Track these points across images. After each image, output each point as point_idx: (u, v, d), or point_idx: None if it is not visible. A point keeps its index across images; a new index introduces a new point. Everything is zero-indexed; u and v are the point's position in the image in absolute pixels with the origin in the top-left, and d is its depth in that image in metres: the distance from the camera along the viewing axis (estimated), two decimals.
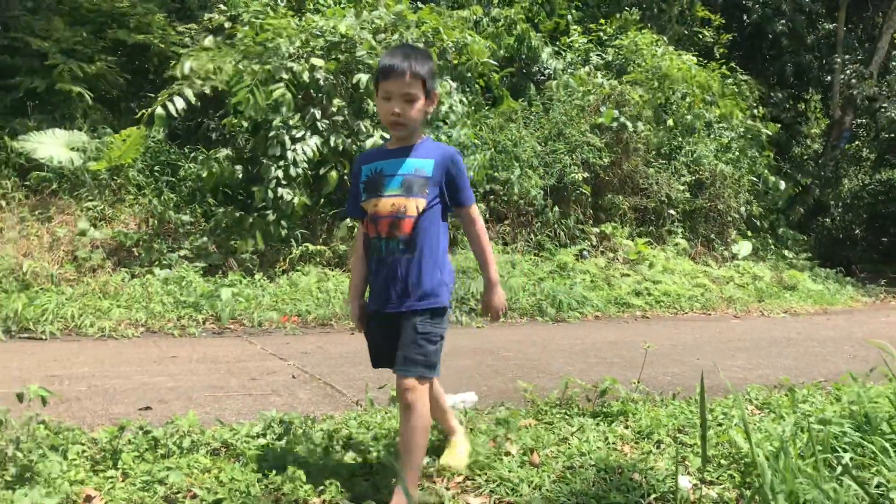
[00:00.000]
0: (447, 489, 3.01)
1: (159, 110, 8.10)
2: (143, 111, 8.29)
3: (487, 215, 10.35)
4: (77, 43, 9.21)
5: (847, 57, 17.94)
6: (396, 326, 2.71)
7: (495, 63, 10.85)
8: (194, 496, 2.77)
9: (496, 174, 10.34)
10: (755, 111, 14.35)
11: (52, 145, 8.44)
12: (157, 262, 7.99)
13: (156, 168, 9.00)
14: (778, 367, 6.04)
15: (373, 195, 2.73)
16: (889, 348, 3.26)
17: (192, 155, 9.09)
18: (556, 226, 10.75)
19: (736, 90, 14.18)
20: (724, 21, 16.18)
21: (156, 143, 9.08)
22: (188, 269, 7.80)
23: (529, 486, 3.07)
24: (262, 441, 3.31)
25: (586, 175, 11.01)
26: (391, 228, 2.68)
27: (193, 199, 8.84)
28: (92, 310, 6.71)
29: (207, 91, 8.31)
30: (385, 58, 2.74)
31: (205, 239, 8.33)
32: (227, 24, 9.05)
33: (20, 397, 3.05)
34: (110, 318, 6.56)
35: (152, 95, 8.52)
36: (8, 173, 8.38)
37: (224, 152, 8.81)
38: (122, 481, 2.88)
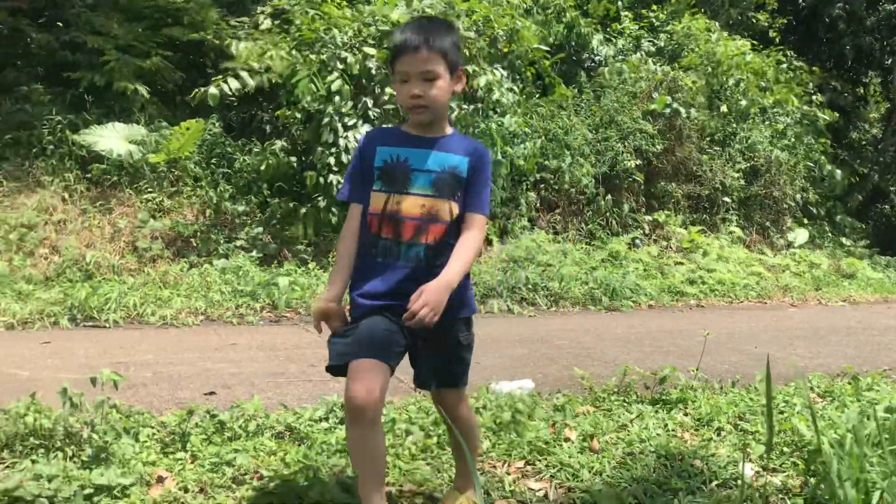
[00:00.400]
0: (508, 474, 3.04)
1: (212, 90, 8.23)
2: (197, 90, 8.44)
3: (538, 204, 10.33)
4: (134, 39, 9.41)
5: None
6: (406, 328, 2.27)
7: (546, 49, 10.78)
8: (261, 477, 2.84)
9: (547, 163, 10.30)
10: (812, 97, 14.02)
11: (112, 138, 8.65)
12: (214, 253, 8.15)
13: (212, 160, 9.17)
14: (839, 355, 5.94)
15: (394, 189, 2.34)
16: None
17: (247, 147, 9.24)
18: (607, 214, 10.68)
19: (791, 76, 13.88)
20: (777, 4, 15.81)
21: (211, 135, 9.24)
22: (244, 258, 7.94)
23: (590, 471, 3.08)
24: (324, 425, 3.37)
25: (639, 162, 10.90)
26: (417, 233, 2.32)
27: (249, 191, 8.99)
28: (153, 299, 6.87)
29: (264, 79, 8.44)
30: (396, 34, 2.37)
31: (260, 229, 8.47)
32: (287, 6, 9.13)
33: (93, 381, 3.15)
34: (171, 307, 6.71)
35: (203, 85, 8.67)
36: (70, 166, 8.61)
37: (279, 144, 8.94)
38: (192, 463, 2.96)
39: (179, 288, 7.26)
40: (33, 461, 2.76)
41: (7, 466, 2.83)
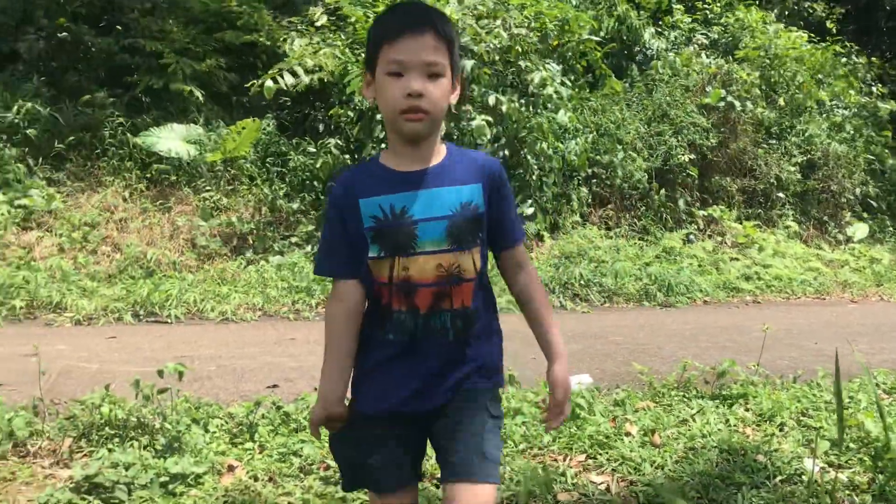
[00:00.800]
0: (570, 467, 3.05)
1: (269, 83, 8.35)
2: (254, 82, 8.58)
3: (590, 199, 10.27)
4: (190, 42, 9.61)
5: None
6: (428, 423, 1.82)
7: (597, 39, 10.69)
8: (328, 468, 2.90)
9: (598, 157, 10.24)
10: (873, 88, 13.66)
11: (170, 139, 8.86)
12: (270, 250, 8.29)
13: (267, 159, 9.32)
14: None
15: (398, 252, 1.75)
16: None
17: (301, 146, 9.38)
18: (661, 209, 10.57)
19: (850, 68, 13.54)
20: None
21: (266, 135, 9.39)
22: (299, 255, 8.07)
23: (652, 465, 3.08)
24: None
25: (692, 157, 10.76)
26: (437, 300, 1.76)
27: (302, 189, 9.12)
28: (212, 295, 7.02)
29: (315, 79, 8.54)
30: (389, 15, 1.78)
31: (313, 226, 8.59)
32: (341, 3, 9.22)
33: (160, 373, 3.25)
34: (229, 303, 6.85)
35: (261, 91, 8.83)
36: (130, 166, 8.83)
37: (332, 141, 9.05)
38: (260, 453, 3.04)
39: (237, 284, 7.41)
40: (110, 450, 2.86)
41: (85, 455, 2.94)
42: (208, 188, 8.81)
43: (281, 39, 9.29)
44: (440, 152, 1.82)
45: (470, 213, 1.77)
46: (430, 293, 1.75)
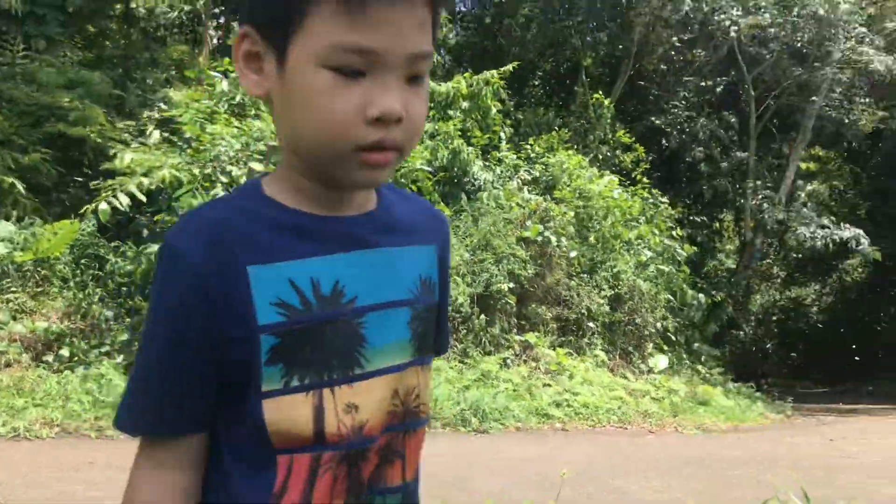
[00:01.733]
0: None
1: (104, 206, 8.14)
2: (88, 206, 8.32)
3: None
4: (13, 133, 9.23)
5: (758, 182, 19.15)
6: None
7: (429, 170, 11.24)
8: None
9: None
10: (673, 233, 15.10)
11: None
12: (76, 359, 7.85)
13: (83, 261, 8.92)
14: (689, 490, 6.26)
15: (332, 377, 0.93)
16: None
17: (121, 250, 9.07)
18: (481, 333, 10.98)
19: (654, 211, 14.94)
20: (644, 149, 17.10)
21: (85, 235, 9.03)
22: (108, 366, 7.68)
23: None
24: None
25: (512, 285, 11.34)
26: (382, 466, 0.98)
27: (119, 294, 8.77)
28: (5, 407, 6.54)
29: (147, 187, 8.42)
30: None
31: (127, 336, 8.24)
32: (177, 116, 9.20)
33: None
34: (24, 418, 6.40)
35: (80, 181, 8.56)
36: None
37: (154, 248, 8.83)
38: None
39: (35, 396, 6.95)
40: None
41: None
42: (13, 289, 8.30)
43: (114, 150, 9.11)
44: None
45: (429, 298, 1.05)
46: (377, 452, 0.97)
